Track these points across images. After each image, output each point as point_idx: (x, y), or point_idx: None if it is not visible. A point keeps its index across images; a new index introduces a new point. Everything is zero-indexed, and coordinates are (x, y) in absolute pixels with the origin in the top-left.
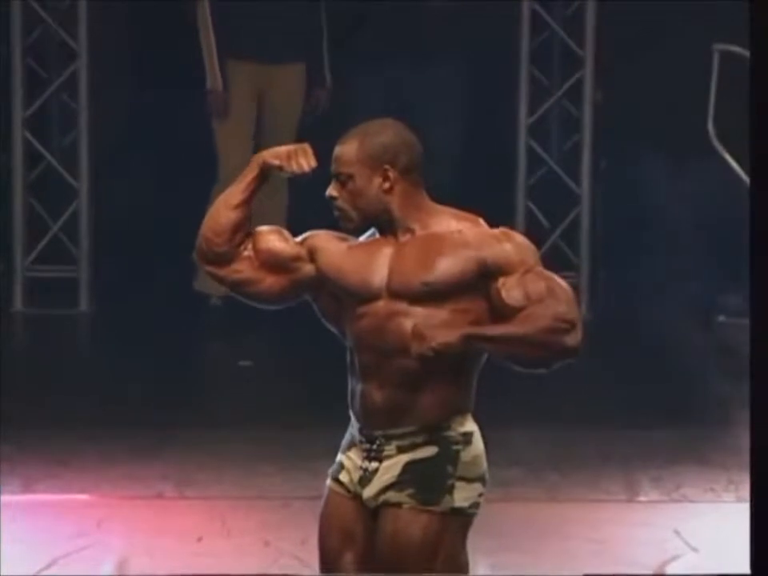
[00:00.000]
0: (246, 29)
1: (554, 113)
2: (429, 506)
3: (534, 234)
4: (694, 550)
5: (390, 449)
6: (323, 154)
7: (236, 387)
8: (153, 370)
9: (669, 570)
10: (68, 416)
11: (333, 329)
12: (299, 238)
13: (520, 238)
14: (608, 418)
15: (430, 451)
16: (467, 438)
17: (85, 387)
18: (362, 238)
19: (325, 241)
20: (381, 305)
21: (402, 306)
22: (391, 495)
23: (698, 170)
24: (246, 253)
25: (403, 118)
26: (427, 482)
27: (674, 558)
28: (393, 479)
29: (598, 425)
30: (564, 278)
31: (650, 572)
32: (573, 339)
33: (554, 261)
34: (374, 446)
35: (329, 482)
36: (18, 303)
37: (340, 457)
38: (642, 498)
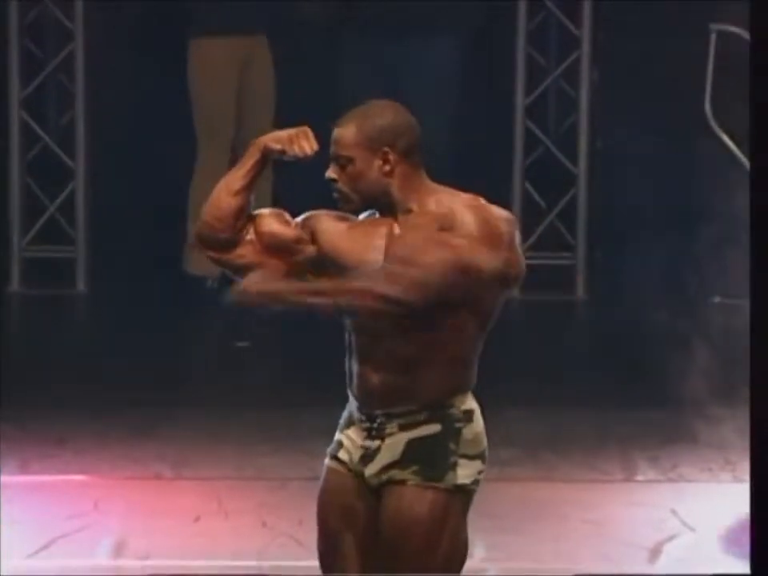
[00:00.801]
0: (216, 3)
1: (551, 93)
2: (433, 483)
3: (531, 214)
4: (691, 529)
5: (392, 427)
6: (318, 136)
7: (233, 368)
8: (150, 351)
9: (666, 549)
10: (65, 397)
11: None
12: (300, 219)
13: (493, 214)
14: (605, 398)
15: (432, 429)
16: (468, 415)
17: (82, 368)
18: (362, 216)
19: (325, 221)
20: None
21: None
22: (395, 473)
23: (694, 150)
24: (248, 237)
25: (399, 99)
26: (431, 459)
27: (671, 537)
28: (396, 457)
29: (595, 405)
30: (561, 258)
31: (647, 552)
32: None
33: (550, 241)
34: (375, 425)
35: (327, 460)
36: (15, 284)
37: (339, 435)
38: (639, 478)
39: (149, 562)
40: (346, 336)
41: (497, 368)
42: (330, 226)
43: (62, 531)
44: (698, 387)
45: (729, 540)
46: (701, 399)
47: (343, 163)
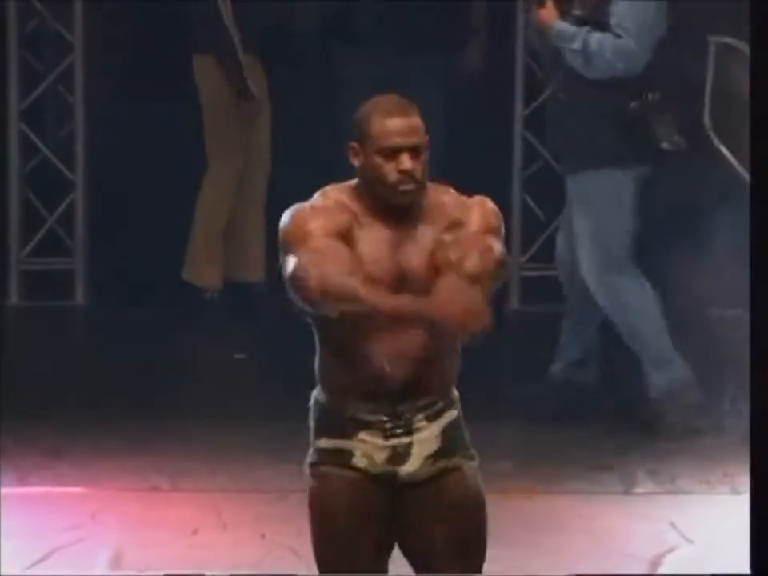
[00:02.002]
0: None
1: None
2: (474, 462)
3: (530, 226)
4: (690, 542)
5: (419, 420)
6: (315, 140)
7: (231, 379)
8: (148, 363)
9: (665, 562)
10: (63, 408)
11: (312, 319)
12: (322, 224)
13: (491, 205)
14: (603, 410)
15: (452, 414)
16: (458, 400)
17: (80, 379)
18: (326, 200)
19: (340, 229)
20: (398, 288)
21: (418, 287)
22: (444, 462)
23: (693, 161)
24: None
25: None
26: (463, 441)
27: (670, 550)
28: (436, 447)
29: (594, 416)
30: (556, 269)
31: (646, 564)
32: (474, 324)
33: (549, 253)
34: (402, 422)
35: (332, 469)
36: (13, 296)
37: (342, 443)
38: (637, 491)
39: (146, 574)
40: (343, 342)
41: (495, 380)
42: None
43: (59, 543)
44: (695, 399)
45: (727, 552)
46: (699, 411)
47: (419, 152)
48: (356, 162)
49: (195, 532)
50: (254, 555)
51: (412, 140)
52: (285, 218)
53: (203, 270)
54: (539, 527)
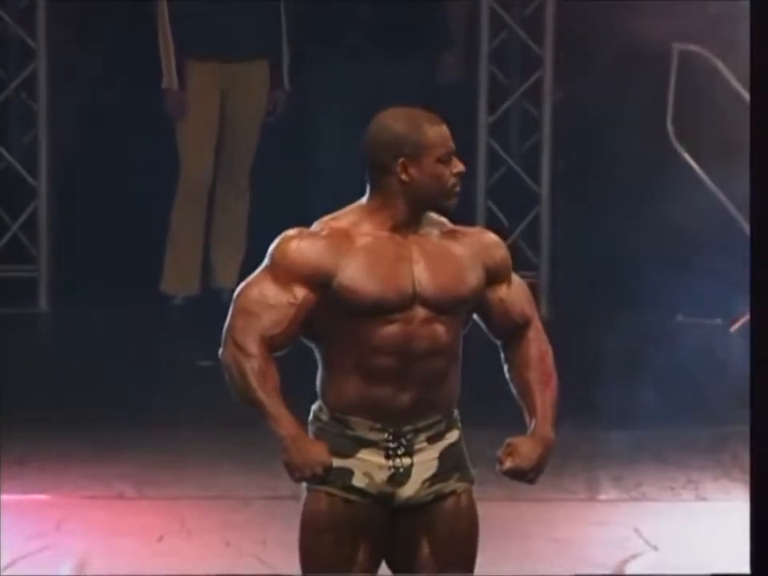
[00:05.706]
0: (207, 28)
1: (514, 112)
2: (470, 485)
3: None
4: (654, 548)
5: (420, 441)
6: (286, 156)
7: (196, 387)
8: (112, 370)
9: (628, 568)
10: (27, 416)
11: (312, 342)
12: (302, 270)
13: (496, 238)
14: (568, 417)
15: (454, 435)
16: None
17: (44, 387)
18: (323, 229)
19: (334, 256)
20: (412, 312)
21: (431, 313)
22: (441, 486)
23: (657, 168)
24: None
25: (362, 117)
26: (462, 462)
27: (634, 556)
28: (434, 470)
29: (558, 424)
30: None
31: (610, 571)
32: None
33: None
34: (404, 442)
35: (331, 490)
36: None
37: (342, 462)
38: (602, 497)
39: None
40: (345, 361)
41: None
42: (344, 260)
43: (23, 552)
44: (660, 406)
45: (692, 558)
46: (663, 418)
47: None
48: (406, 177)
49: (160, 539)
50: (219, 563)
51: (452, 145)
52: (275, 242)
53: (171, 277)
54: (503, 534)
